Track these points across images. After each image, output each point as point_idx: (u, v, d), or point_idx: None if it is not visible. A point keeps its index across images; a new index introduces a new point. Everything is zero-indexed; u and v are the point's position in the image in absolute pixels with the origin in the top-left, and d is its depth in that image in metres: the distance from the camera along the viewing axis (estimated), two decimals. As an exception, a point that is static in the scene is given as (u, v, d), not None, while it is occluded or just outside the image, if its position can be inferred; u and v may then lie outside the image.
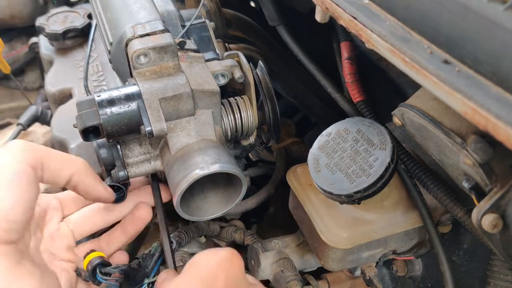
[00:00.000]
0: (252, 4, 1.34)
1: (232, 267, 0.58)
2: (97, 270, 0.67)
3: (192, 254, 0.84)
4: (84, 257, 0.69)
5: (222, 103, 0.72)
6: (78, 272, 0.70)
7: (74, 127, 0.64)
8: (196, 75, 0.69)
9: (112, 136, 0.64)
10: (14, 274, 0.56)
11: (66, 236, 0.71)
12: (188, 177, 0.62)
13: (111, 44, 0.73)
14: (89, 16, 1.34)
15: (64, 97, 1.19)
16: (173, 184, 0.65)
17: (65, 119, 1.08)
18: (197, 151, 0.65)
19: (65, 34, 1.29)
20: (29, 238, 0.64)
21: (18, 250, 0.58)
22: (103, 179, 0.71)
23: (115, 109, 0.63)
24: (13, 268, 0.56)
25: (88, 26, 1.31)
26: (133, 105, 0.64)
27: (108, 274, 0.68)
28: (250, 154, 1.13)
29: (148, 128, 0.63)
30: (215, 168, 0.63)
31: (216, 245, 0.94)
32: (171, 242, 0.72)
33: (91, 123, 0.63)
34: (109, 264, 0.69)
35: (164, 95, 0.65)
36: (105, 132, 0.63)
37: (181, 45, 0.71)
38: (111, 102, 0.64)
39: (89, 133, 0.64)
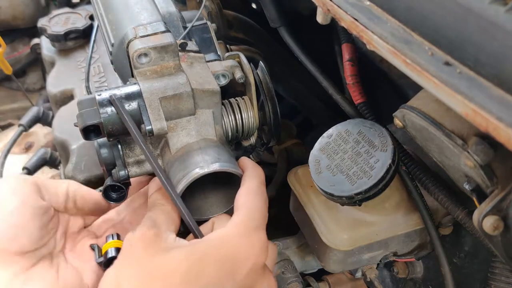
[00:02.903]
0: (254, 5, 1.35)
1: (260, 258, 0.61)
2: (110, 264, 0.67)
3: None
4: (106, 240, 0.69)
5: (222, 104, 0.72)
6: (93, 247, 0.70)
7: (75, 126, 0.65)
8: (197, 75, 0.69)
9: (112, 135, 0.64)
10: (22, 280, 0.59)
11: (88, 235, 0.72)
12: (188, 176, 0.62)
13: (112, 45, 0.73)
14: (91, 18, 1.35)
15: (66, 98, 1.20)
16: (173, 183, 0.65)
17: (67, 120, 1.08)
18: (197, 151, 0.65)
19: (66, 35, 1.29)
20: (53, 244, 0.66)
21: (32, 256, 0.61)
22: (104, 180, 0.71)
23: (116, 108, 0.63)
24: (20, 274, 0.59)
25: (90, 27, 1.31)
26: (134, 104, 0.64)
27: None
28: (251, 156, 1.13)
29: (148, 127, 0.63)
30: (215, 167, 0.63)
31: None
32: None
33: (92, 121, 0.63)
34: None
35: (165, 94, 0.65)
36: (105, 131, 0.63)
37: (183, 47, 0.72)
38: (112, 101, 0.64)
39: (89, 132, 0.64)
